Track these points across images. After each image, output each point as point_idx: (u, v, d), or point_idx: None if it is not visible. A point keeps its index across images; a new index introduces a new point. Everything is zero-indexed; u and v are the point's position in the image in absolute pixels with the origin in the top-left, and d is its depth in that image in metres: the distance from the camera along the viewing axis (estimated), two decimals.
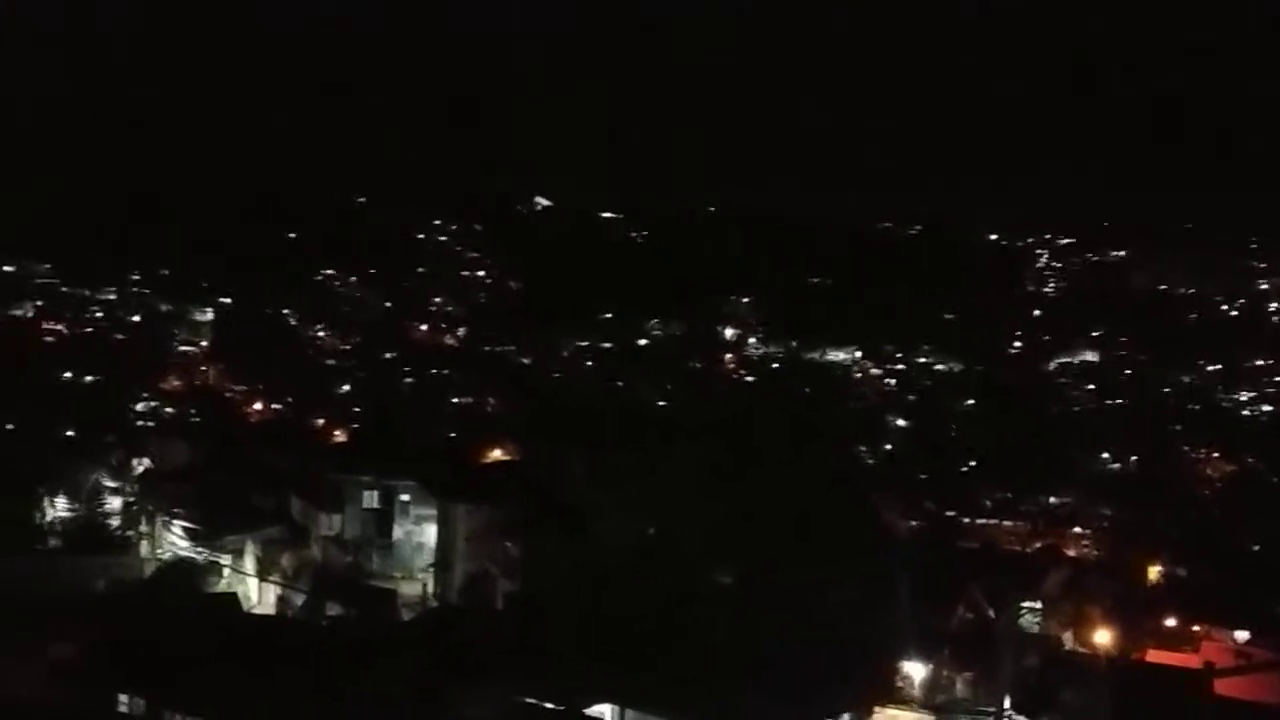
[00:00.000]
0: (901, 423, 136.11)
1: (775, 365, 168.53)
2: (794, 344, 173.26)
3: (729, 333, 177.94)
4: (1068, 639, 63.83)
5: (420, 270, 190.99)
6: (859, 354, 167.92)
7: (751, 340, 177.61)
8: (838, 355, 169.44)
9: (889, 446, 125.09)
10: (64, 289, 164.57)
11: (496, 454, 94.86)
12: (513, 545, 67.62)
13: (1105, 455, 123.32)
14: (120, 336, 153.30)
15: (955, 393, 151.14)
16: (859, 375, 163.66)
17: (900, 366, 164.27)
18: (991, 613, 60.56)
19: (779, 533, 62.92)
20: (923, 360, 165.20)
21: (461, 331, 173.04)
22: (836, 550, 60.58)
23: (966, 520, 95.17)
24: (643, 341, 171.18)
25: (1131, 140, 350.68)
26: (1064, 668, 56.83)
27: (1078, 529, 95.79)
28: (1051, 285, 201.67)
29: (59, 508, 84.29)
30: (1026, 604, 64.59)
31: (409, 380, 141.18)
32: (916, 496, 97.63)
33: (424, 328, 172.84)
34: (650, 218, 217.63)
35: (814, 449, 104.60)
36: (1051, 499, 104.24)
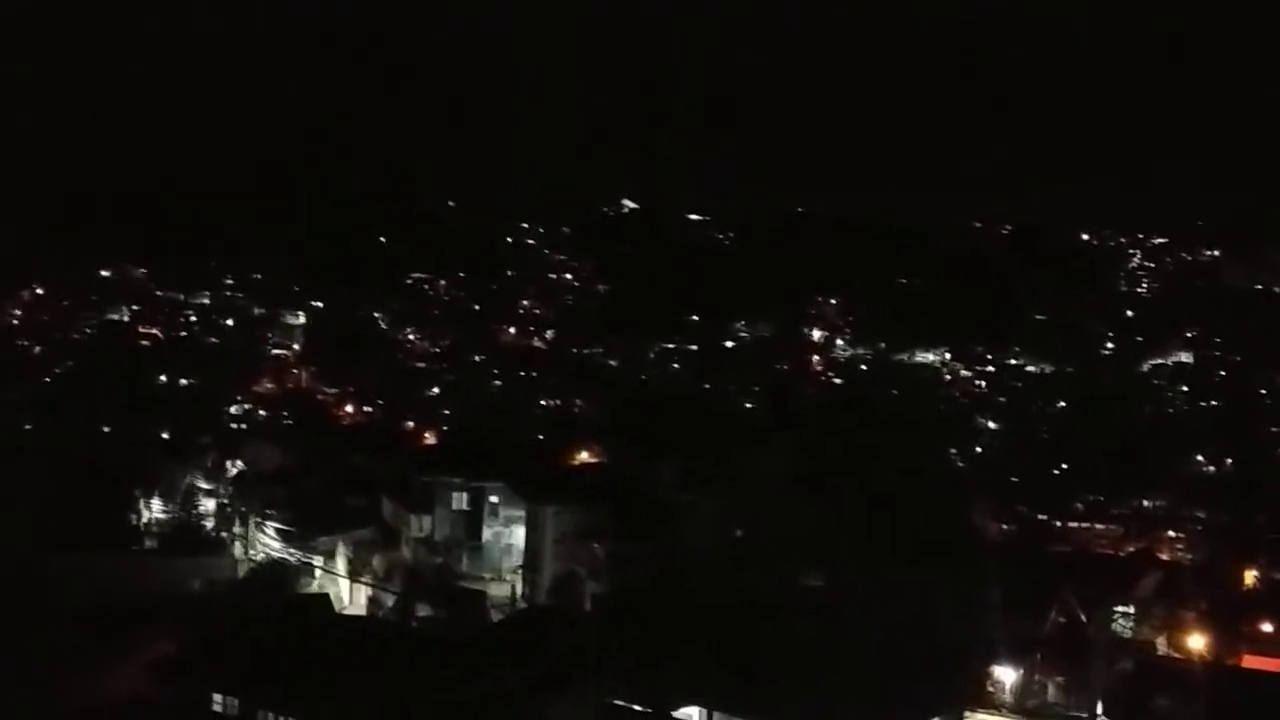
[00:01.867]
0: (992, 425, 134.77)
1: (863, 367, 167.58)
2: (882, 345, 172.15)
3: (816, 334, 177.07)
4: (1161, 644, 62.90)
5: (509, 273, 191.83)
6: (948, 355, 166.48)
7: (839, 342, 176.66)
8: (927, 357, 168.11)
9: (980, 449, 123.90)
10: (159, 293, 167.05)
11: (584, 456, 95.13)
12: (600, 547, 67.76)
13: (1199, 457, 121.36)
14: (214, 340, 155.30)
15: (1047, 395, 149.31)
16: (949, 377, 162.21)
17: (991, 368, 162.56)
18: (1084, 617, 59.86)
19: (868, 535, 62.55)
20: (1013, 362, 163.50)
21: (549, 334, 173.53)
22: (927, 553, 60.11)
23: (1058, 524, 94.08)
24: (729, 344, 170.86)
25: (1224, 137, 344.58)
26: (1157, 673, 55.98)
27: (1171, 532, 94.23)
28: (1144, 285, 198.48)
29: (155, 509, 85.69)
30: (1119, 608, 63.75)
31: (497, 383, 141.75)
32: (1008, 499, 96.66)
33: (512, 331, 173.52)
34: (737, 219, 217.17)
35: (903, 451, 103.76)
36: (1145, 502, 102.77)
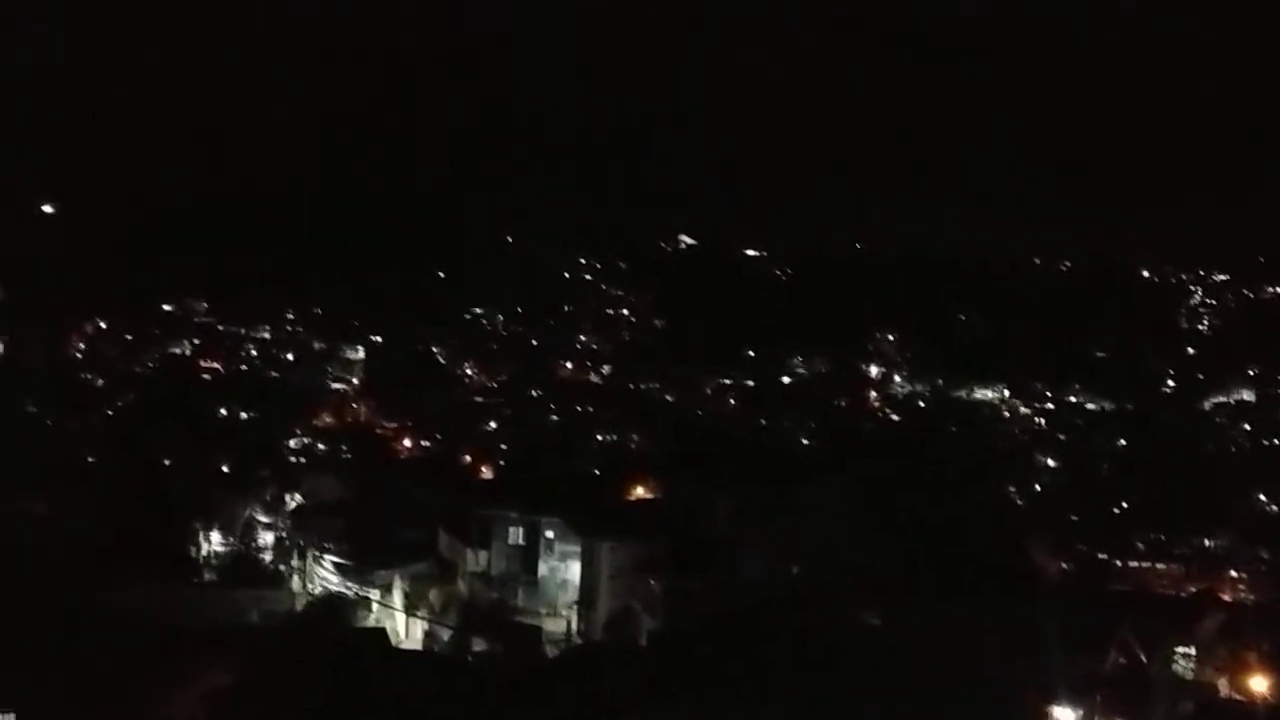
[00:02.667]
0: (1051, 462, 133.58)
1: (921, 403, 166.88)
2: (940, 382, 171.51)
3: (874, 370, 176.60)
4: (1223, 685, 62.05)
5: (566, 309, 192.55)
6: (1007, 392, 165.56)
7: (897, 378, 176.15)
8: (986, 393, 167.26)
9: (1039, 486, 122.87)
10: (221, 327, 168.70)
11: (640, 491, 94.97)
12: (656, 583, 67.63)
13: (1262, 496, 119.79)
14: (275, 374, 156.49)
15: (1107, 432, 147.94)
16: (1008, 414, 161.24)
17: (1050, 405, 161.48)
18: (1144, 657, 59.14)
19: (926, 573, 62.16)
20: (1073, 399, 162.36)
21: (606, 369, 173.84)
22: (985, 591, 59.67)
23: (1119, 562, 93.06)
24: (786, 379, 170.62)
25: None
26: (1219, 715, 55.28)
27: (1234, 572, 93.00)
28: (1206, 322, 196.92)
29: (214, 541, 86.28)
30: (1180, 649, 62.91)
31: (554, 417, 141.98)
32: (1067, 538, 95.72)
33: (569, 365, 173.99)
34: (794, 255, 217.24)
35: (961, 488, 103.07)
36: (1207, 541, 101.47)
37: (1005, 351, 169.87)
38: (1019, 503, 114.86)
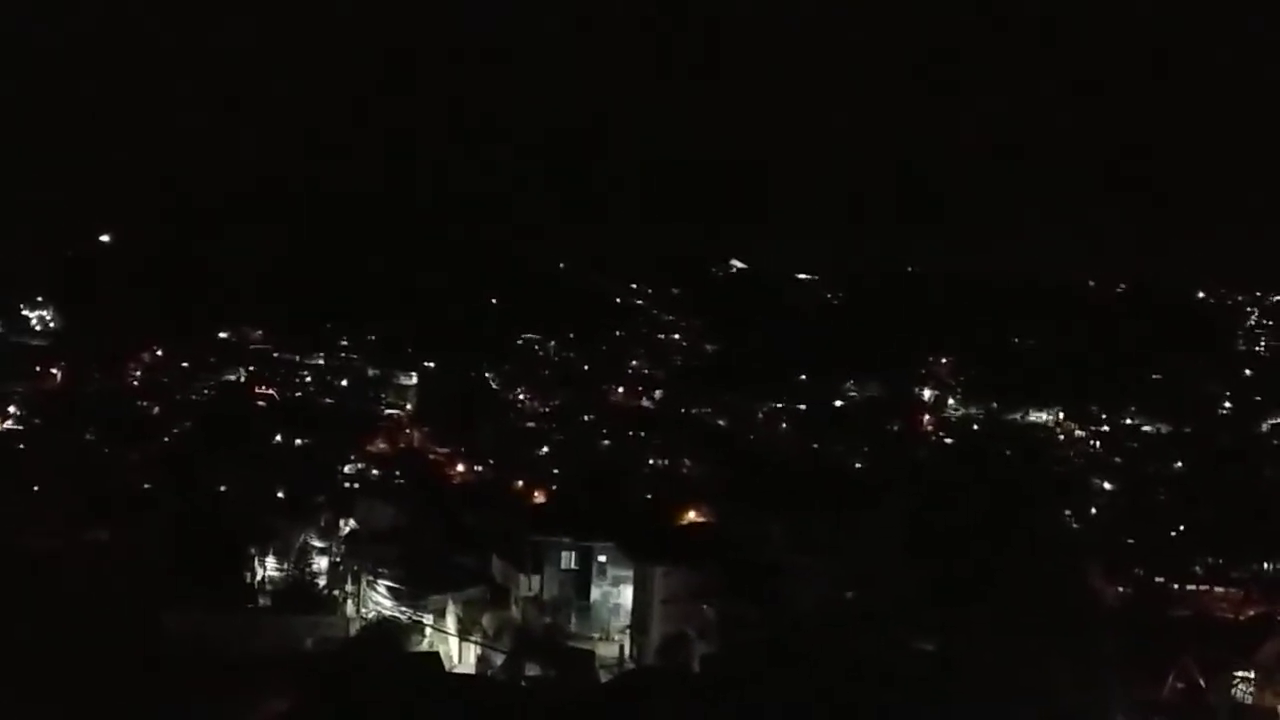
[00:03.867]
0: (1108, 486, 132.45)
1: (975, 427, 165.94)
2: (994, 405, 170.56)
3: (927, 394, 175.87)
4: None
5: (618, 334, 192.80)
6: (1062, 415, 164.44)
7: (950, 401, 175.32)
8: (1040, 416, 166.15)
9: (1095, 510, 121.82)
10: (276, 355, 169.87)
11: (693, 516, 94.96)
12: (709, 608, 67.54)
13: None
14: (329, 400, 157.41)
15: (1164, 455, 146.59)
16: (1063, 437, 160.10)
17: (1106, 428, 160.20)
18: (1203, 682, 58.60)
19: (982, 598, 61.84)
20: (1129, 421, 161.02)
21: (658, 394, 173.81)
22: (1042, 617, 59.28)
23: (1176, 587, 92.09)
24: (839, 403, 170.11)
25: None
26: None
27: None
28: (1262, 343, 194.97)
29: (269, 567, 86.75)
30: (1240, 673, 62.30)
31: (606, 443, 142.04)
32: (1124, 562, 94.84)
33: (621, 391, 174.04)
34: (846, 278, 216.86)
35: (1017, 512, 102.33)
36: (1266, 564, 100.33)
37: (1060, 374, 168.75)
38: (1075, 526, 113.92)
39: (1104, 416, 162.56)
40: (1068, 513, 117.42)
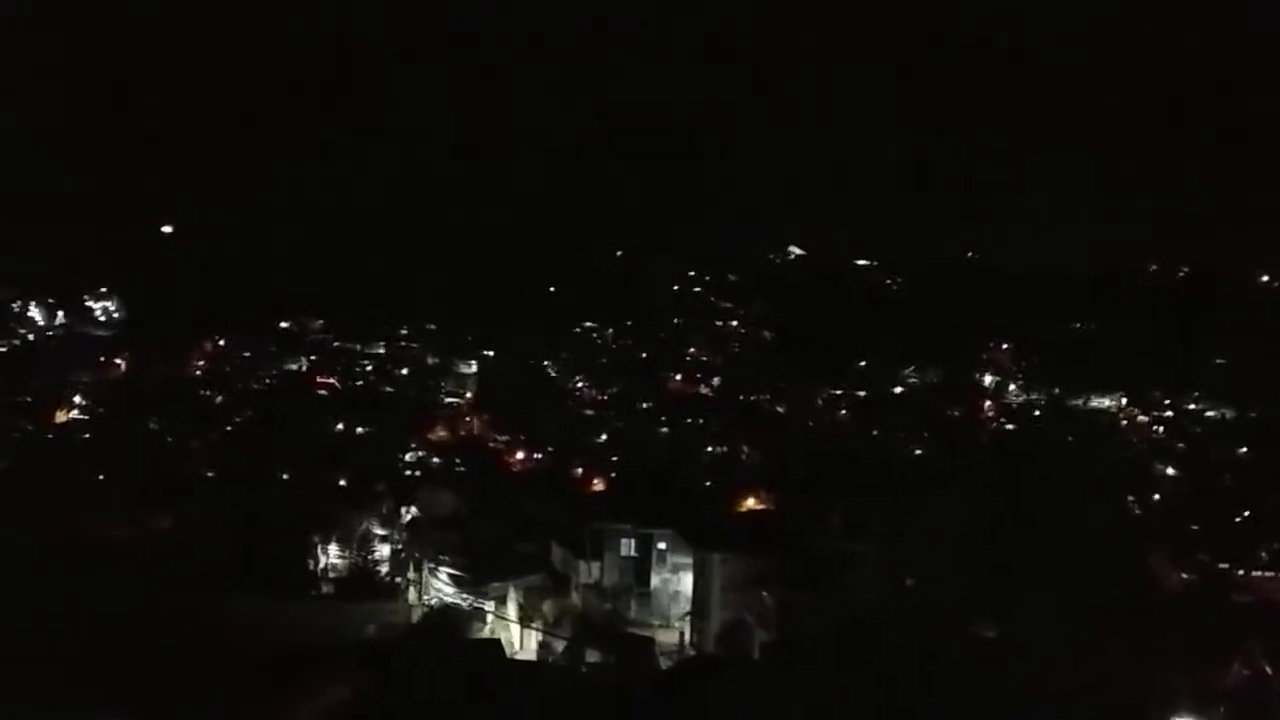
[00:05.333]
0: (1171, 472, 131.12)
1: (1037, 413, 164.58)
2: (1056, 391, 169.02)
3: (988, 380, 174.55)
4: None
5: (676, 321, 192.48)
6: (1125, 400, 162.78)
7: (1012, 387, 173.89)
8: (1103, 402, 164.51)
9: (1158, 496, 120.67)
10: (336, 344, 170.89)
11: (751, 503, 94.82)
12: (769, 595, 67.45)
13: None
14: (389, 389, 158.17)
15: (1228, 440, 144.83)
16: (1125, 422, 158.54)
17: (1169, 413, 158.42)
18: (1268, 669, 57.90)
19: (1044, 585, 61.38)
20: (1193, 407, 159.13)
21: (716, 381, 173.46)
22: (1104, 604, 58.81)
23: (1241, 573, 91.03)
24: (898, 390, 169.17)
25: None
26: None
27: None
28: None
29: (331, 554, 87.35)
30: None
31: (665, 430, 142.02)
32: (1188, 548, 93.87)
33: (679, 378, 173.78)
34: (906, 264, 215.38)
35: (1079, 499, 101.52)
36: None
37: (1122, 359, 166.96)
38: (1138, 513, 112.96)
39: (1167, 401, 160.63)
40: (1131, 499, 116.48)
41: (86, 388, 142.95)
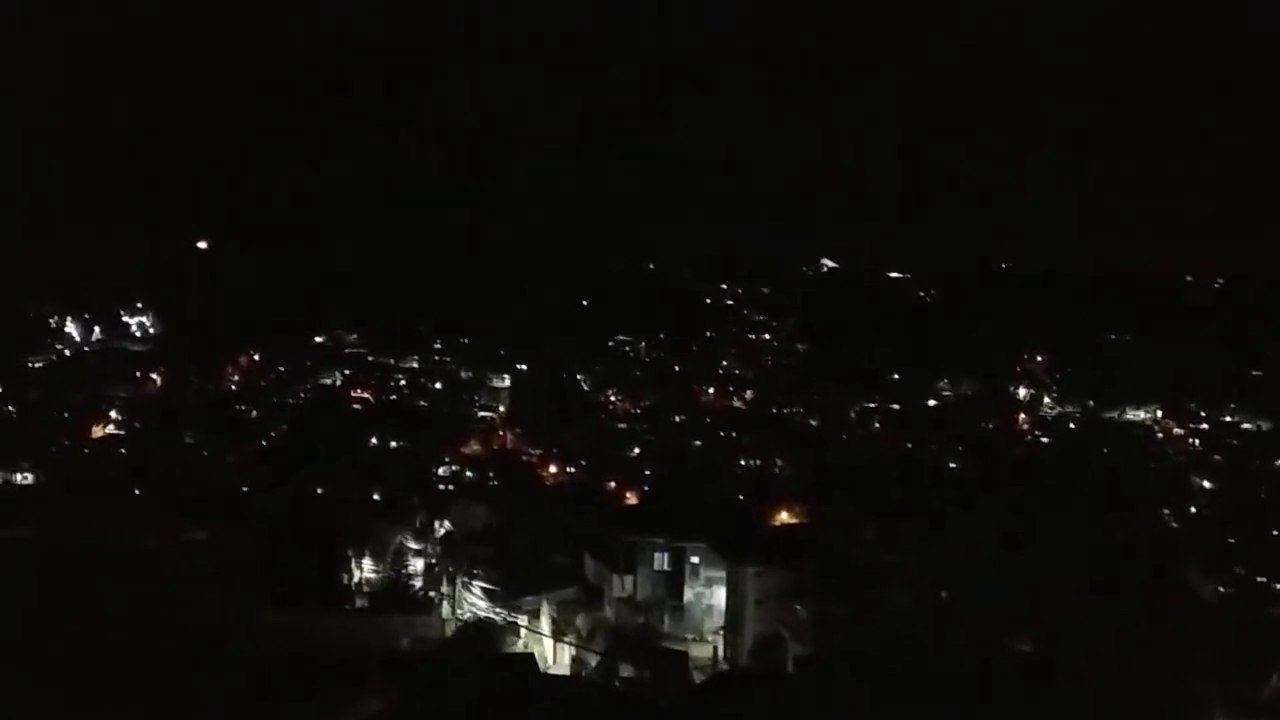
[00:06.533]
0: (1207, 484, 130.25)
1: (1071, 425, 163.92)
2: (1091, 403, 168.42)
3: (1022, 392, 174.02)
4: None
5: (709, 334, 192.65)
6: (1160, 413, 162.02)
7: (1046, 399, 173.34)
8: (1138, 414, 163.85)
9: (1194, 509, 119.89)
10: (371, 358, 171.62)
11: (785, 516, 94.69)
12: (803, 609, 67.29)
13: None
14: (423, 403, 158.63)
15: (1265, 452, 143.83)
16: (1161, 435, 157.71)
17: (1205, 425, 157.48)
18: None
19: (1079, 598, 61.09)
20: (1229, 419, 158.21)
21: (749, 394, 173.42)
22: (1141, 617, 58.49)
23: (1278, 586, 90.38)
24: (932, 402, 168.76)
25: None
26: None
27: None
28: None
29: (366, 568, 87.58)
30: None
31: (698, 443, 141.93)
32: (1225, 561, 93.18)
33: (712, 391, 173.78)
34: (939, 275, 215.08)
35: (1115, 511, 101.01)
36: None
37: (1158, 371, 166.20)
38: (1174, 526, 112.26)
39: (1203, 414, 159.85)
40: (1167, 512, 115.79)
41: (123, 402, 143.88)
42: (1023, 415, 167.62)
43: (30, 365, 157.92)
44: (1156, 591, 64.92)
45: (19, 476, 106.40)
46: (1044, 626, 59.74)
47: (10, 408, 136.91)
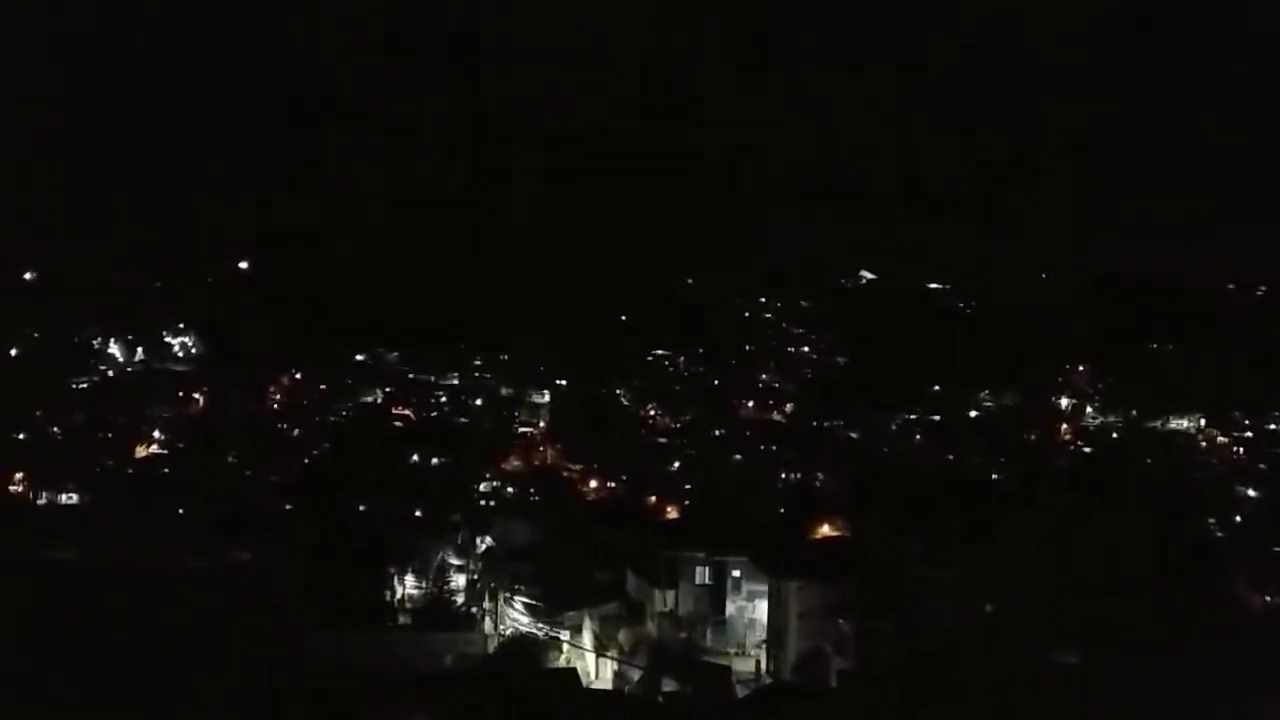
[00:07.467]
0: (1252, 493, 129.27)
1: (1115, 435, 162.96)
2: (1134, 413, 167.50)
3: (1064, 402, 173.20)
4: None
5: (748, 348, 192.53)
6: (1204, 422, 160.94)
7: (1089, 410, 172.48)
8: (1181, 423, 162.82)
9: (1239, 518, 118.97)
10: (411, 376, 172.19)
11: (827, 530, 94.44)
12: (846, 623, 67.02)
13: None
14: (464, 420, 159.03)
15: None
16: (1205, 444, 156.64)
17: (1249, 434, 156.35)
18: None
19: (1125, 609, 60.65)
20: (1273, 427, 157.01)
21: (789, 407, 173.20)
22: (1187, 628, 58.02)
23: None
24: (974, 413, 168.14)
25: None
26: None
27: None
28: None
29: (408, 585, 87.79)
30: None
31: (738, 457, 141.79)
32: (1270, 571, 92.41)
33: (751, 405, 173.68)
34: (979, 287, 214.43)
35: (1159, 522, 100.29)
36: None
37: (1201, 379, 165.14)
38: (1219, 535, 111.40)
39: (1247, 422, 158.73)
40: (1212, 521, 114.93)
41: (166, 422, 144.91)
42: (1065, 425, 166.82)
43: (74, 386, 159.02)
44: (1203, 602, 64.37)
45: (64, 496, 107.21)
46: (1089, 639, 59.27)
47: (55, 428, 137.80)
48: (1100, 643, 58.30)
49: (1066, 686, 53.82)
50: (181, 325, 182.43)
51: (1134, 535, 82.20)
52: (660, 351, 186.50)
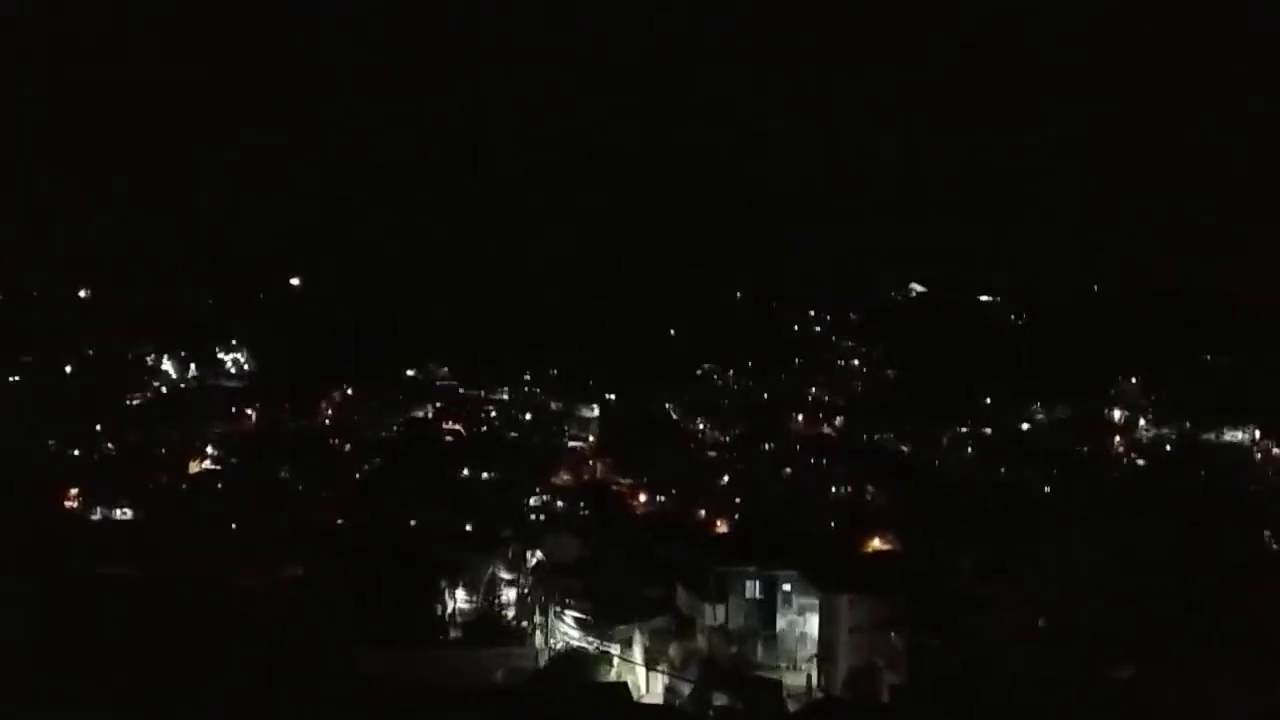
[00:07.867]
0: None
1: (1168, 448, 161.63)
2: (1188, 425, 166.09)
3: (1117, 415, 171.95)
4: None
5: (797, 362, 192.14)
6: (1258, 433, 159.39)
7: (1142, 422, 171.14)
8: (1236, 435, 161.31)
9: None
10: (461, 391, 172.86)
11: (877, 544, 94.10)
12: (897, 637, 66.76)
13: None
14: (514, 434, 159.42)
15: None
16: (1259, 455, 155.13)
17: None
18: None
19: (1179, 624, 60.14)
20: None
21: (839, 421, 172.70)
22: (1241, 641, 57.45)
23: None
24: (1026, 426, 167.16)
25: None
26: None
27: None
28: None
29: (459, 599, 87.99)
30: None
31: (788, 471, 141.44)
32: None
33: (801, 418, 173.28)
34: (1032, 300, 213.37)
35: (1213, 534, 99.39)
36: None
37: (1255, 391, 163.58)
38: (1274, 547, 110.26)
39: None
40: (1268, 533, 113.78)
41: (218, 438, 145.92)
42: (1118, 438, 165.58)
43: (128, 403, 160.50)
44: (1260, 615, 63.69)
45: (118, 513, 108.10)
46: (1145, 654, 58.82)
47: (110, 445, 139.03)
48: (1154, 657, 57.87)
49: (1120, 701, 53.47)
50: (234, 342, 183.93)
51: (1188, 548, 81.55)
52: (709, 365, 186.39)
